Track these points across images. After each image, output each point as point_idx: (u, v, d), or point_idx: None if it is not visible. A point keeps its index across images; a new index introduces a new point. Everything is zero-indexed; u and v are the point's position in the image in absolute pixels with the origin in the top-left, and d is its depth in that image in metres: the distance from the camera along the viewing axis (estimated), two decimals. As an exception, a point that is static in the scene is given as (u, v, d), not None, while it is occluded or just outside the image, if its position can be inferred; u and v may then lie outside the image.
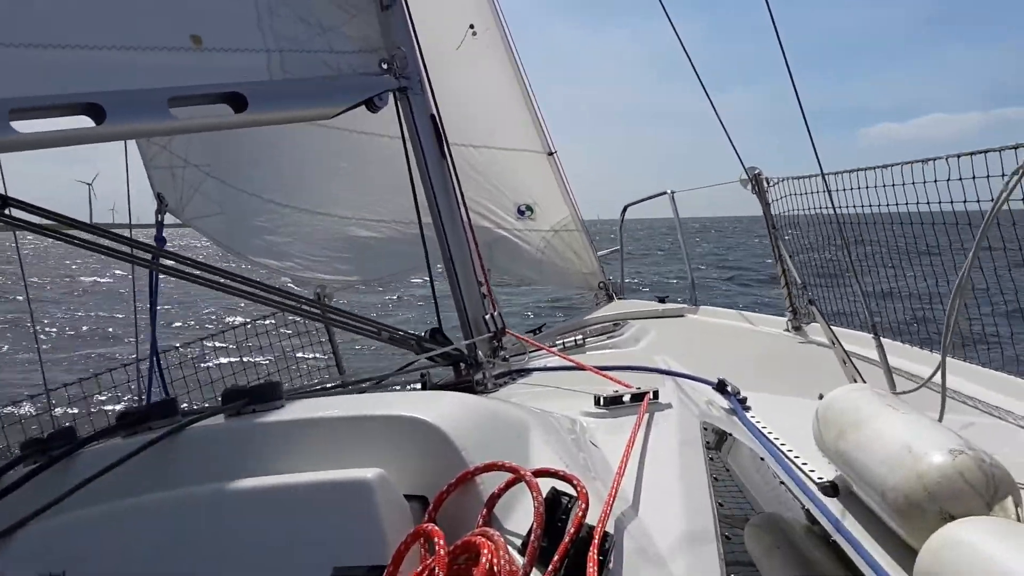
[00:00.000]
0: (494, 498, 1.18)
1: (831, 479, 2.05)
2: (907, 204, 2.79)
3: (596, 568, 1.00)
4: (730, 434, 2.15)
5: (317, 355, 5.20)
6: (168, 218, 4.55)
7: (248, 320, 4.91)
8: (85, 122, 2.39)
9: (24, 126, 2.27)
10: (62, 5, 2.42)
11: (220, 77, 2.63)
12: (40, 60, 2.36)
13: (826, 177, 2.75)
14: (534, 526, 1.06)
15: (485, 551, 1.00)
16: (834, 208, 2.81)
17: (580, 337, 3.81)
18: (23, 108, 2.26)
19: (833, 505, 1.92)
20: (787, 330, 3.92)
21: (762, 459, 2.09)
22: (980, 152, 2.36)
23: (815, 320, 3.54)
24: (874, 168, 2.80)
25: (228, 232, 4.85)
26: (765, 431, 2.33)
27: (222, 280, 2.65)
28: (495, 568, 0.98)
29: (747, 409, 2.47)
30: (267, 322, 4.81)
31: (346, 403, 1.46)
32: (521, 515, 1.17)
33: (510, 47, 5.25)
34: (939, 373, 2.16)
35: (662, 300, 5.21)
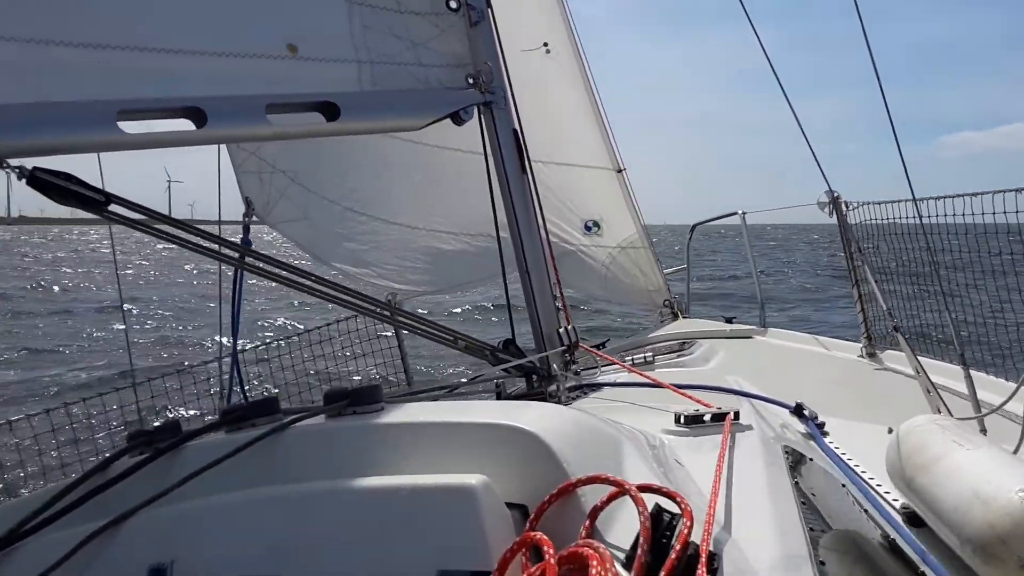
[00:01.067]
0: (596, 510, 1.19)
1: (914, 509, 2.02)
2: (996, 233, 2.74)
3: None
4: (805, 458, 2.13)
5: (381, 362, 5.25)
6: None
7: (320, 325, 5.00)
8: (186, 125, 2.47)
9: (129, 127, 2.36)
10: (170, 11, 2.52)
11: (312, 86, 2.71)
12: (147, 63, 2.45)
13: (917, 204, 2.71)
14: (640, 540, 1.07)
15: (593, 563, 1.01)
16: (927, 235, 2.76)
17: (649, 354, 3.80)
18: (130, 110, 2.35)
19: (918, 535, 1.88)
20: (861, 356, 3.85)
21: (843, 486, 2.06)
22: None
23: (893, 347, 3.48)
24: (963, 195, 2.75)
25: (310, 236, 4.98)
26: (844, 457, 2.30)
27: (302, 280, 2.72)
28: None
29: (825, 434, 2.44)
30: (337, 325, 4.90)
31: (446, 409, 1.49)
32: (623, 529, 1.18)
33: (582, 64, 5.29)
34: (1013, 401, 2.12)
35: (729, 320, 5.16)
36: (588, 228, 5.60)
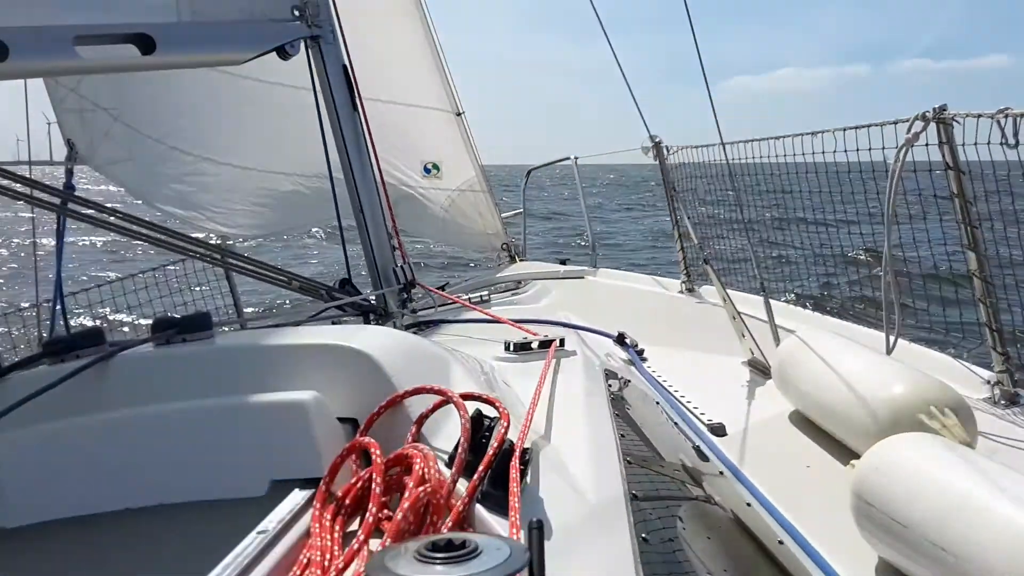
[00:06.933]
0: (423, 418, 1.26)
1: (719, 421, 2.23)
2: (796, 173, 2.99)
3: (518, 475, 1.08)
4: (625, 380, 2.29)
5: (221, 306, 5.07)
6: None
7: (151, 268, 4.74)
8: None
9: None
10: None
11: (129, 15, 2.56)
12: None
13: (728, 145, 2.91)
14: (461, 440, 1.14)
15: (417, 461, 1.08)
16: (731, 178, 2.98)
17: (485, 294, 3.89)
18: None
19: (720, 443, 2.09)
20: (681, 291, 4.12)
21: (657, 403, 2.24)
22: (864, 126, 2.56)
23: (709, 282, 3.74)
24: (768, 139, 2.98)
25: (136, 178, 4.65)
26: (660, 379, 2.50)
27: (126, 225, 2.61)
28: (426, 477, 1.06)
29: (644, 360, 2.63)
30: (172, 269, 4.68)
31: (277, 334, 1.50)
32: (447, 434, 1.25)
33: (421, 3, 5.23)
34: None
35: (563, 263, 5.35)
36: (427, 171, 5.59)
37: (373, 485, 1.06)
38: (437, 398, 1.27)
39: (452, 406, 1.23)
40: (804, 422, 2.27)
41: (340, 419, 1.28)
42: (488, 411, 1.26)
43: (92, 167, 4.40)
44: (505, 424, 1.19)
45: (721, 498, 1.80)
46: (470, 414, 1.19)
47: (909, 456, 1.54)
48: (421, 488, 1.03)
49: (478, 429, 1.19)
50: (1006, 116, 1.93)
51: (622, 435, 1.67)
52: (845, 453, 2.03)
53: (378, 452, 1.11)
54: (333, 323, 2.92)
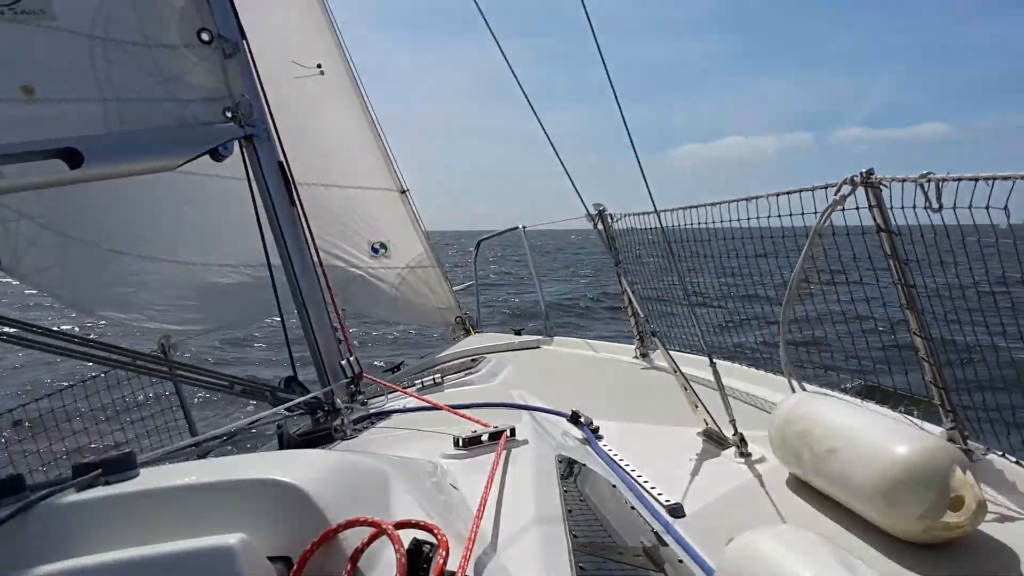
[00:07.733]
0: (357, 553, 1.21)
1: (677, 501, 2.20)
2: (734, 239, 3.03)
3: None
4: (580, 465, 2.25)
5: (167, 410, 4.92)
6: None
7: (84, 379, 4.55)
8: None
9: None
10: None
11: (54, 131, 2.53)
12: None
13: (662, 212, 2.94)
14: None
15: None
16: (668, 244, 3.00)
17: (439, 375, 3.84)
18: None
19: (680, 526, 2.05)
20: (635, 357, 4.12)
21: (614, 485, 2.20)
22: (796, 191, 2.60)
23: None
24: (706, 205, 3.01)
25: (69, 285, 4.49)
26: (617, 459, 2.46)
27: (59, 343, 2.53)
28: None
29: (599, 438, 2.60)
30: (103, 376, 4.50)
31: (204, 469, 1.44)
32: (385, 567, 1.20)
33: (358, 85, 5.28)
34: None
35: (518, 332, 5.33)
36: (375, 250, 5.59)
37: None
38: (372, 529, 1.23)
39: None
40: (756, 492, 2.24)
41: (272, 558, 1.23)
42: (427, 535, 1.22)
43: (15, 277, 4.22)
44: (444, 553, 1.15)
45: None
46: (406, 546, 1.15)
47: (769, 551, 1.49)
48: None
49: (416, 559, 1.15)
50: (928, 181, 1.97)
51: (574, 534, 1.63)
52: (803, 524, 2.00)
53: None
54: (279, 427, 2.84)
